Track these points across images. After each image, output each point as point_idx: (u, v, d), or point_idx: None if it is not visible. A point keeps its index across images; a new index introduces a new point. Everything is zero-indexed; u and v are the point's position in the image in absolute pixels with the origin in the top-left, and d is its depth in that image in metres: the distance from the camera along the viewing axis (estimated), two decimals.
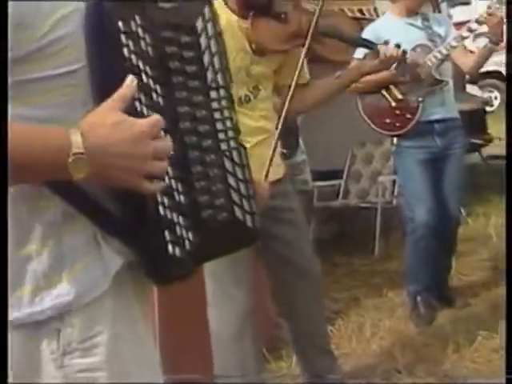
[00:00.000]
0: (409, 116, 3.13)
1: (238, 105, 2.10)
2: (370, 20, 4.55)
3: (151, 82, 0.96)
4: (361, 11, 4.45)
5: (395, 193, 4.43)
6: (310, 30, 2.01)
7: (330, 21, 2.12)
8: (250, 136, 2.11)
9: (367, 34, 3.18)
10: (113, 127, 0.84)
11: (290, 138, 2.32)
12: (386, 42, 2.33)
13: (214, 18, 1.10)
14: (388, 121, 3.17)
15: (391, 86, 3.12)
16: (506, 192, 1.91)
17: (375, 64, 2.24)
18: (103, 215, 0.93)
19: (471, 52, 3.26)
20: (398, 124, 3.15)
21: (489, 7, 2.95)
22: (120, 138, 0.84)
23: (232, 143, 1.08)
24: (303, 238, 2.31)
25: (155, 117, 0.89)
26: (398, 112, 3.14)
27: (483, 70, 10.01)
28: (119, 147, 0.84)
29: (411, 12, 3.17)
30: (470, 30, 3.01)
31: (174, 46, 1.02)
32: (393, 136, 3.23)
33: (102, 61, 0.92)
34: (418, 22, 3.18)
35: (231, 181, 1.07)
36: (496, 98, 10.37)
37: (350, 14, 4.44)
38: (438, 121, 3.14)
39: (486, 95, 10.31)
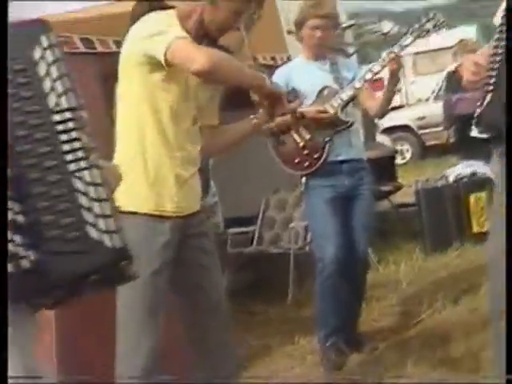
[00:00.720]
0: (316, 155, 3.16)
1: (192, 124, 2.12)
2: None
3: None
4: (273, 58, 4.51)
5: (308, 239, 4.43)
6: None
7: None
8: (192, 165, 2.14)
9: (278, 75, 3.26)
10: None
11: (201, 180, 2.27)
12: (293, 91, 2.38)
13: (54, 45, 1.14)
14: (297, 160, 3.20)
15: (299, 127, 3.15)
16: (506, 192, 1.95)
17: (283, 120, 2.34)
18: None
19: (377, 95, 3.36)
20: (306, 163, 3.18)
21: (389, 51, 3.07)
22: None
23: (82, 163, 1.09)
24: (216, 268, 2.25)
25: None
26: (306, 152, 3.18)
27: (395, 123, 10.50)
28: None
29: (320, 57, 3.25)
30: (373, 72, 3.09)
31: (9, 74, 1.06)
32: (302, 175, 3.23)
33: None
34: (327, 66, 3.26)
35: (83, 200, 1.07)
36: (408, 150, 10.74)
37: (262, 61, 4.51)
38: (345, 161, 3.19)
39: (398, 148, 10.73)
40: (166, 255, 2.07)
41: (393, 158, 5.97)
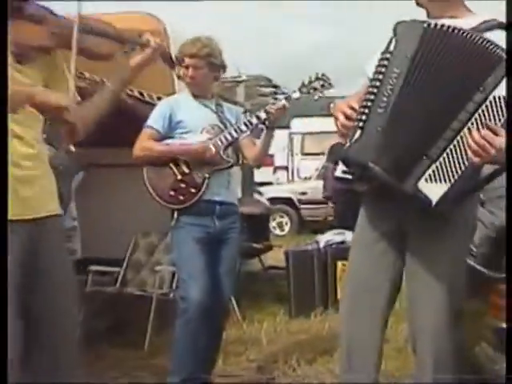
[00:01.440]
0: (193, 191, 3.12)
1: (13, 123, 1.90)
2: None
3: None
4: (159, 98, 4.49)
5: (174, 286, 4.31)
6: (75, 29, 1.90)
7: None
8: (30, 160, 1.94)
9: (163, 106, 3.24)
10: None
11: (60, 199, 2.12)
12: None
13: None
14: (172, 193, 3.13)
15: (179, 160, 3.14)
16: (506, 192, 1.94)
17: (144, 55, 2.12)
18: None
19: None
20: (181, 197, 3.12)
21: (278, 99, 3.19)
22: None
23: None
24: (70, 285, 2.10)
25: None
26: (182, 185, 3.13)
27: (278, 195, 10.73)
28: None
29: (204, 95, 3.26)
30: (258, 118, 3.14)
31: None
32: (174, 209, 3.15)
33: None
34: (212, 105, 3.28)
35: None
36: (287, 223, 10.95)
37: (148, 99, 4.47)
38: (220, 202, 3.16)
39: (278, 220, 10.94)
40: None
41: (267, 216, 6.02)
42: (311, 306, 4.88)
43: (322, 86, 3.14)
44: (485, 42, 1.98)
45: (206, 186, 3.12)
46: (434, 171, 1.98)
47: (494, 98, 1.95)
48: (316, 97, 3.16)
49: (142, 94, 4.31)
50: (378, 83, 2.04)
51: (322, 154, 11.15)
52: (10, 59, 1.88)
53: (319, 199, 10.69)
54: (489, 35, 2.05)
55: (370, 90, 2.06)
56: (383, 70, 2.05)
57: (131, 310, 4.35)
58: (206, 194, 3.12)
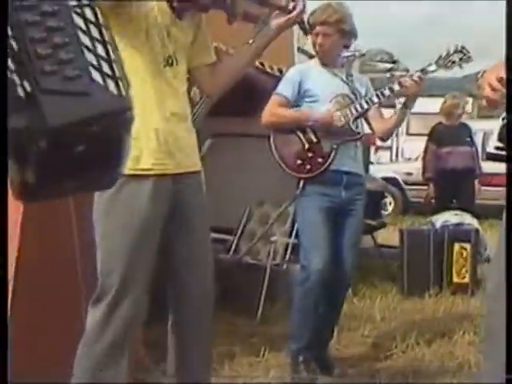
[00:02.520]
0: (320, 160, 3.05)
1: (164, 65, 1.97)
2: None
3: None
4: (280, 71, 4.44)
5: (287, 257, 4.29)
6: None
7: None
8: (165, 109, 1.97)
9: (293, 74, 3.18)
10: None
11: None
12: None
13: None
14: (299, 162, 3.08)
15: (307, 128, 3.09)
16: (506, 192, 1.85)
17: (287, 19, 2.12)
18: None
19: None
20: (308, 167, 3.07)
21: (411, 74, 3.02)
22: None
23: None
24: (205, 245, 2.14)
25: None
26: (310, 155, 3.07)
27: (383, 175, 10.50)
28: None
29: (334, 64, 3.18)
30: (391, 90, 3.02)
31: None
32: (301, 178, 3.09)
33: None
34: (343, 75, 3.18)
35: (85, 40, 0.89)
36: (390, 203, 10.70)
37: (269, 70, 4.44)
38: (347, 173, 3.08)
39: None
40: (149, 219, 1.94)
41: (382, 193, 5.87)
42: (424, 286, 4.73)
43: (461, 59, 2.97)
44: None
45: (334, 157, 3.05)
46: None
47: None
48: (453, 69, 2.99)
49: (262, 64, 4.28)
50: None
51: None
52: (170, 13, 1.93)
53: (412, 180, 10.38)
54: None
55: None
56: None
57: (244, 278, 4.35)
58: (333, 164, 3.05)
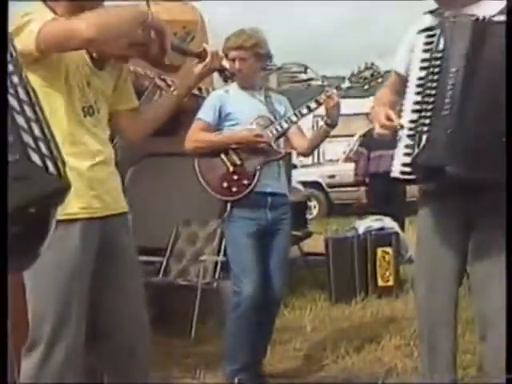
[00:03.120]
0: (245, 182, 3.12)
1: (84, 115, 1.98)
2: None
3: None
4: (199, 89, 4.49)
5: (216, 275, 4.33)
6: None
7: None
8: (90, 157, 1.99)
9: (213, 99, 3.23)
10: None
11: None
12: None
13: None
14: (225, 185, 3.14)
15: (230, 151, 3.16)
16: (506, 193, 1.96)
17: (206, 64, 2.20)
18: None
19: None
20: (234, 189, 3.13)
21: (327, 90, 3.11)
22: None
23: (15, 78, 0.94)
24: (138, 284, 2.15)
25: None
26: (235, 177, 3.14)
27: (306, 179, 10.70)
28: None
29: (252, 87, 3.26)
30: (309, 109, 3.12)
31: None
32: (228, 201, 3.14)
33: None
34: (262, 96, 3.27)
35: (19, 120, 0.90)
36: (315, 207, 10.91)
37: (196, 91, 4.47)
38: (271, 194, 3.15)
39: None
40: (80, 261, 1.94)
41: (305, 204, 6.02)
42: (351, 292, 4.89)
43: (372, 75, 3.11)
44: None
45: (258, 178, 3.12)
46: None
47: None
48: (366, 86, 3.12)
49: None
50: (433, 84, 2.09)
51: (350, 135, 11.08)
52: (90, 63, 1.95)
53: (348, 182, 10.66)
54: None
55: (427, 92, 2.10)
56: (436, 69, 2.09)
57: (176, 299, 4.38)
58: (258, 185, 3.12)
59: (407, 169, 2.15)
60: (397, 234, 5.15)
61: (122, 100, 2.17)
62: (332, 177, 10.80)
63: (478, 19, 2.08)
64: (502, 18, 2.06)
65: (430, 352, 2.43)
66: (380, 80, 3.10)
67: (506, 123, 1.96)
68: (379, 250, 5.00)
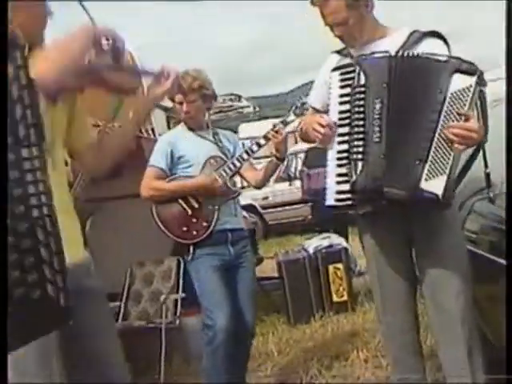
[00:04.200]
0: (205, 224, 3.17)
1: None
2: (148, 139, 4.63)
3: None
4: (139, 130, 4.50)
5: (178, 313, 4.33)
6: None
7: None
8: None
9: (163, 144, 3.26)
10: None
11: None
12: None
13: (26, 66, 1.02)
14: (185, 229, 3.17)
15: (188, 195, 3.19)
16: (506, 193, 2.11)
17: (165, 85, 2.02)
18: None
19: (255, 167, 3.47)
20: (194, 232, 3.17)
21: (274, 126, 3.19)
22: None
23: (45, 210, 0.97)
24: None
25: None
26: (194, 220, 3.18)
27: (242, 203, 10.81)
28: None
29: (200, 127, 3.31)
30: (259, 145, 3.19)
31: None
32: (189, 244, 3.18)
33: None
34: (210, 135, 3.33)
35: (44, 253, 0.94)
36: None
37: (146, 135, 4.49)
38: (231, 230, 3.22)
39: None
40: None
41: (254, 230, 6.09)
42: (309, 312, 4.99)
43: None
44: (429, 56, 2.30)
45: (217, 218, 3.18)
46: (429, 170, 2.24)
47: (452, 93, 2.25)
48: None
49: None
50: (361, 115, 2.30)
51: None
52: (43, 100, 1.80)
53: (280, 202, 10.85)
54: (422, 46, 2.40)
55: (355, 123, 2.31)
56: (361, 102, 2.31)
57: (138, 342, 4.32)
58: (217, 224, 3.18)
59: (343, 196, 2.34)
60: (345, 249, 5.30)
61: (78, 136, 2.02)
62: (265, 198, 10.93)
63: (391, 56, 2.32)
64: (407, 52, 2.34)
65: (397, 362, 2.62)
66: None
67: (506, 123, 2.12)
68: (331, 267, 5.13)
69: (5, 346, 0.82)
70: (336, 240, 5.48)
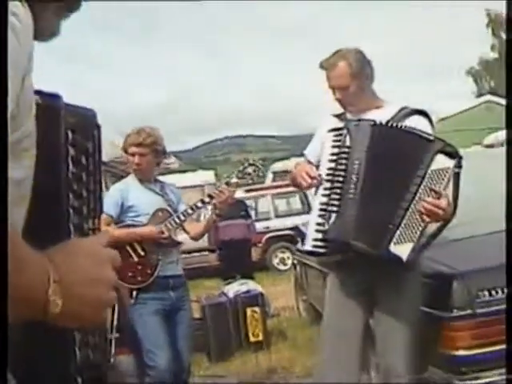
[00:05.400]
0: (149, 271, 3.52)
1: None
2: None
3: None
4: None
5: (112, 352, 4.66)
6: None
7: None
8: None
9: (114, 193, 3.58)
10: (84, 257, 0.88)
11: None
12: None
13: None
14: (130, 274, 3.49)
15: (135, 243, 3.53)
16: (506, 192, 2.38)
17: None
18: None
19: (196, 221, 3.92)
20: (139, 278, 3.51)
21: (218, 185, 3.69)
22: (89, 264, 0.88)
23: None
24: None
25: (115, 251, 0.95)
26: (139, 267, 3.52)
27: (275, 234, 11.09)
28: (88, 273, 0.87)
29: (148, 179, 3.67)
30: (203, 202, 3.64)
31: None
32: (133, 289, 3.50)
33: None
34: (157, 188, 3.69)
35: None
36: (289, 257, 11.27)
37: None
38: (172, 276, 3.58)
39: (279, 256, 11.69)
40: None
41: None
42: (230, 350, 5.47)
43: (254, 171, 3.72)
44: (416, 132, 2.58)
45: (160, 266, 3.54)
46: (399, 235, 2.47)
47: (432, 171, 2.50)
48: (250, 181, 3.76)
49: None
50: (342, 173, 2.59)
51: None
52: None
53: (190, 249, 11.28)
54: (409, 121, 2.70)
55: (336, 179, 2.59)
56: (344, 161, 2.60)
57: None
58: (160, 270, 3.55)
59: (318, 243, 2.56)
60: (261, 294, 5.85)
61: None
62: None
63: (375, 124, 2.60)
64: (393, 123, 2.61)
65: None
66: (261, 174, 3.76)
67: (506, 123, 2.46)
68: (248, 310, 5.65)
69: (5, 346, 0.79)
70: (253, 286, 6.04)
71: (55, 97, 1.06)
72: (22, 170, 0.91)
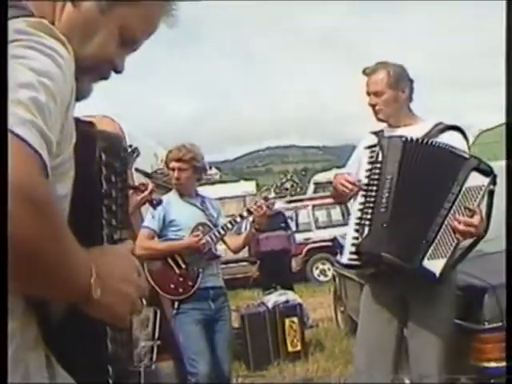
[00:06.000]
0: (190, 283, 3.66)
1: None
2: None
3: None
4: None
5: (153, 358, 4.82)
6: None
7: None
8: None
9: (157, 208, 3.63)
10: (116, 259, 1.05)
11: None
12: None
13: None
14: (172, 286, 3.65)
15: (176, 255, 3.68)
16: (506, 192, 2.42)
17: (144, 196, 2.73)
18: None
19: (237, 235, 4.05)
20: (181, 290, 3.65)
21: (256, 200, 3.79)
22: (121, 265, 1.04)
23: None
24: None
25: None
26: (181, 279, 3.66)
27: (315, 245, 11.28)
28: (119, 271, 1.02)
29: (190, 194, 3.82)
30: (242, 217, 3.77)
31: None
32: (175, 300, 3.66)
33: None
34: (198, 202, 3.83)
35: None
36: (329, 269, 11.43)
37: None
38: (212, 288, 3.72)
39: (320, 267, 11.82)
40: None
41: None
42: (268, 360, 5.59)
43: (292, 186, 3.89)
44: (451, 149, 2.63)
45: (201, 278, 3.68)
46: (432, 251, 2.54)
47: (466, 188, 2.56)
48: (288, 196, 3.89)
49: None
50: (374, 187, 2.67)
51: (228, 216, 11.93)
52: None
53: (233, 259, 11.42)
54: (443, 136, 2.75)
55: (369, 193, 2.67)
56: (376, 176, 2.67)
57: None
58: (201, 282, 3.68)
59: (353, 256, 2.65)
60: (300, 304, 5.95)
61: None
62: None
63: (406, 139, 2.67)
64: (427, 140, 2.66)
65: None
66: (298, 190, 3.88)
67: (506, 122, 2.40)
68: (287, 320, 5.75)
69: (5, 346, 0.82)
70: (292, 296, 6.15)
71: (91, 124, 1.20)
72: (62, 189, 1.04)
